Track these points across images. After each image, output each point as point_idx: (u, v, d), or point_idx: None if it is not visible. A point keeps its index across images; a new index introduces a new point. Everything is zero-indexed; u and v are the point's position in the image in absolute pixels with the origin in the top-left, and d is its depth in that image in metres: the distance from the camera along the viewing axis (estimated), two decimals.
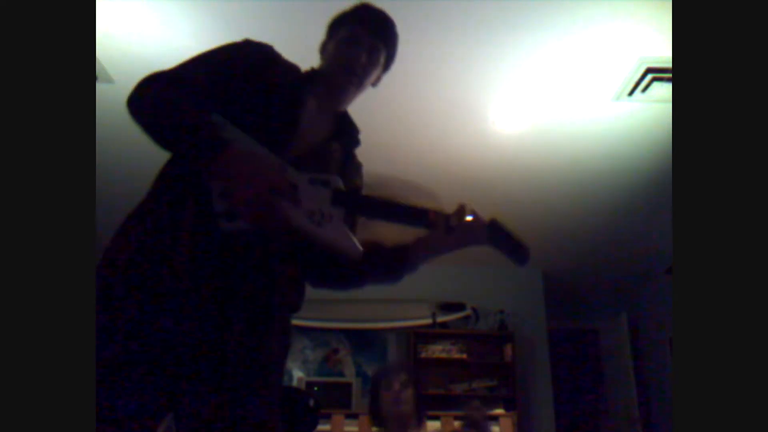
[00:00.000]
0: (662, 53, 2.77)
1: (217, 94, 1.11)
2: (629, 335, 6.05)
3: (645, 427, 5.80)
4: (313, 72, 1.35)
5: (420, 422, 2.11)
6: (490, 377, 5.44)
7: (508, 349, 5.50)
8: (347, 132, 1.35)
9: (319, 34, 3.07)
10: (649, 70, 2.88)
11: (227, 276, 1.01)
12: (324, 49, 1.40)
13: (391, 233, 1.31)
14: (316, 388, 5.19)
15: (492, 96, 3.12)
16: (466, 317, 5.68)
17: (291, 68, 1.31)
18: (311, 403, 2.26)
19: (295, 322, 1.22)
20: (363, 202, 1.21)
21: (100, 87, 2.98)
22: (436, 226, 1.22)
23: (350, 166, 1.32)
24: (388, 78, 3.35)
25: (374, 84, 1.40)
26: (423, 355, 5.44)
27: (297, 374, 5.40)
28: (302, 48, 2.77)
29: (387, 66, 1.43)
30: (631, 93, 3.05)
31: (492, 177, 4.04)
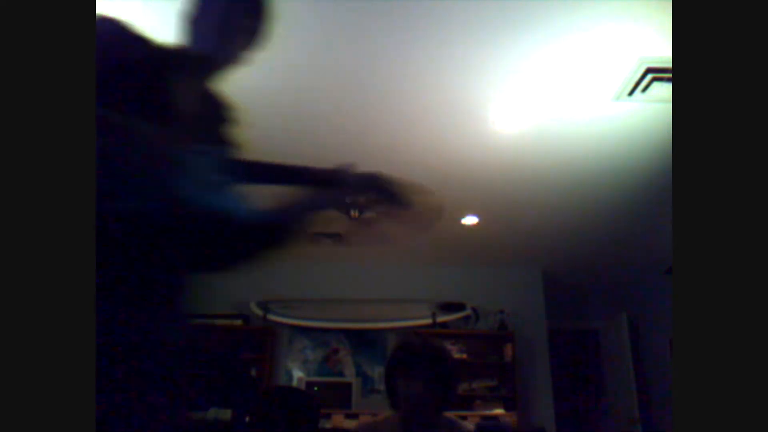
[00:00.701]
0: (662, 53, 2.77)
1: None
2: (629, 335, 6.05)
3: (645, 427, 5.80)
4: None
5: (440, 409, 1.83)
6: (490, 377, 5.45)
7: (508, 349, 5.50)
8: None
9: (318, 32, 3.06)
10: (649, 70, 2.88)
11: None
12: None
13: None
14: (316, 388, 5.19)
15: (492, 96, 3.12)
16: (466, 317, 5.69)
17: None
18: (311, 402, 2.25)
19: (295, 322, 1.19)
20: (248, 167, 1.15)
21: None
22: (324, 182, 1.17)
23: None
24: (388, 78, 3.34)
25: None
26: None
27: (297, 374, 5.40)
28: (302, 46, 2.78)
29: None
30: (631, 93, 3.05)
31: (492, 177, 4.04)
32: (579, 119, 3.34)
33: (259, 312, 5.42)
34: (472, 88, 3.06)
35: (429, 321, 5.54)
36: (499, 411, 5.01)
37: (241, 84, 2.94)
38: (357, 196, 1.22)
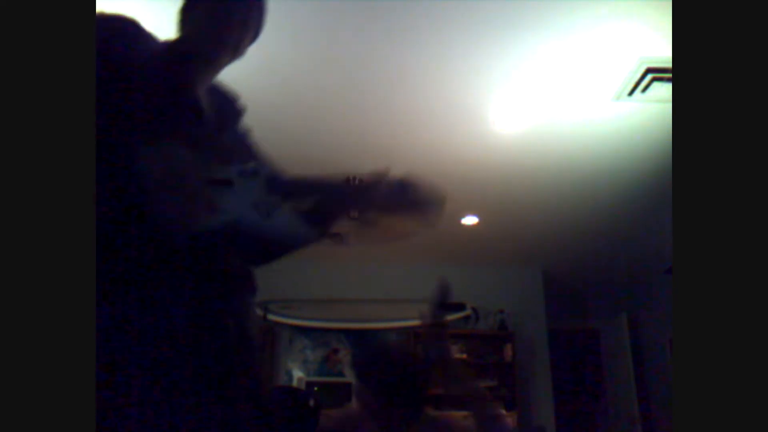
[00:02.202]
0: (662, 53, 2.77)
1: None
2: (629, 335, 6.05)
3: (645, 427, 5.80)
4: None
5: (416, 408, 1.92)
6: (490, 377, 5.44)
7: (508, 349, 5.50)
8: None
9: (317, 31, 3.06)
10: (649, 70, 2.88)
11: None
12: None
13: None
14: (316, 388, 5.19)
15: (492, 96, 3.12)
16: (466, 317, 5.68)
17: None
18: (311, 403, 2.25)
19: (295, 322, 1.21)
20: (293, 185, 1.16)
21: None
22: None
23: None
24: (388, 78, 3.35)
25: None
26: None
27: (297, 374, 5.40)
28: (300, 47, 2.78)
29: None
30: (631, 93, 3.05)
31: (492, 177, 4.04)
32: (579, 119, 3.34)
33: (259, 312, 5.42)
34: (472, 88, 3.06)
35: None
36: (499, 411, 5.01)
37: (241, 84, 2.94)
38: (387, 207, 1.22)
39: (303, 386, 5.15)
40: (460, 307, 5.66)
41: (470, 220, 4.82)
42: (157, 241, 0.96)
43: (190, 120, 1.08)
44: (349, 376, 5.41)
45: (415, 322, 5.50)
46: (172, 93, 1.07)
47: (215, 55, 1.20)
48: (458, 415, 1.96)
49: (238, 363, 1.05)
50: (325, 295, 5.48)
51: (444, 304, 1.73)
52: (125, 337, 0.92)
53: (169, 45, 1.19)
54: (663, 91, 3.01)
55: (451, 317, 5.64)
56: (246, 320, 1.11)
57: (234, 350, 1.04)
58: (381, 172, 1.18)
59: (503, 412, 1.89)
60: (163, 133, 1.02)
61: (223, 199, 0.98)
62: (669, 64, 2.83)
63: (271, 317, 5.38)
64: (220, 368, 1.00)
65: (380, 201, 1.19)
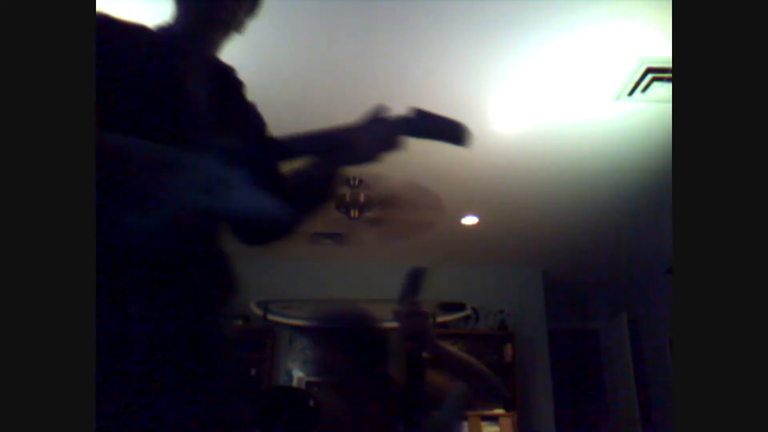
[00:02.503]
0: (662, 53, 2.77)
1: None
2: (629, 335, 6.05)
3: (645, 427, 5.80)
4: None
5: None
6: None
7: (508, 349, 5.50)
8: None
9: (318, 31, 3.06)
10: (649, 70, 2.88)
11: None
12: None
13: None
14: (316, 388, 5.19)
15: (492, 96, 3.12)
16: (466, 317, 5.69)
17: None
18: (311, 403, 2.25)
19: (295, 322, 1.20)
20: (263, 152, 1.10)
21: None
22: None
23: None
24: (388, 78, 3.34)
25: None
26: (423, 355, 5.43)
27: (297, 374, 5.40)
28: (301, 46, 2.78)
29: None
30: (631, 93, 3.05)
31: (492, 177, 4.04)
32: (579, 119, 3.34)
33: (259, 312, 5.41)
34: (472, 88, 3.06)
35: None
36: (499, 411, 5.01)
37: None
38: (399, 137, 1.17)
39: (303, 386, 5.15)
40: (460, 307, 5.66)
41: (470, 220, 4.82)
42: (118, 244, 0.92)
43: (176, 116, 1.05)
44: None
45: None
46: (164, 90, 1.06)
47: (208, 35, 1.19)
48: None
49: (217, 362, 1.02)
50: (325, 295, 5.47)
51: (416, 287, 1.73)
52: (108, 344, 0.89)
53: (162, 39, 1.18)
54: (663, 91, 3.02)
55: (451, 317, 5.64)
56: (217, 318, 1.07)
57: (208, 350, 1.00)
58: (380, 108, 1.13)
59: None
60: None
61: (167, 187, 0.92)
62: (669, 64, 2.83)
63: (271, 317, 5.38)
64: (200, 369, 0.97)
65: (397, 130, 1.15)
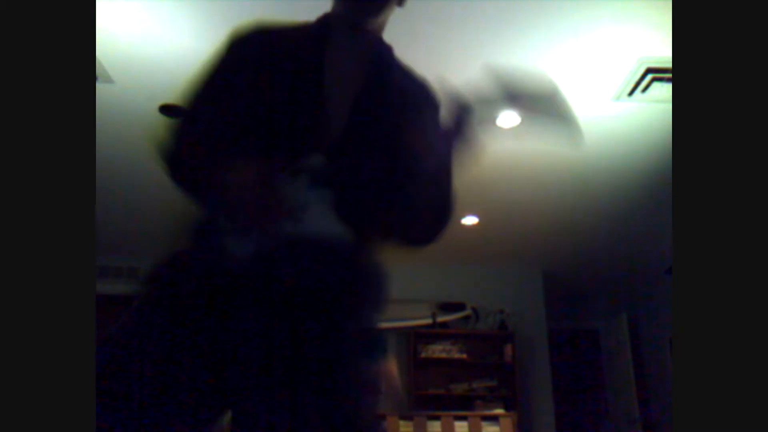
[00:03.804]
0: (662, 53, 2.77)
1: (234, 113, 1.03)
2: (629, 335, 6.05)
3: (645, 427, 5.80)
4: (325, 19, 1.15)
5: None
6: (490, 377, 5.45)
7: (508, 349, 5.50)
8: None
9: None
10: (649, 70, 2.88)
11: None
12: None
13: None
14: None
15: None
16: (466, 317, 5.69)
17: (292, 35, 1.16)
18: None
19: None
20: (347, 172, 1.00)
21: (100, 87, 2.98)
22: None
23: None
24: None
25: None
26: (423, 355, 5.44)
27: None
28: None
29: None
30: (631, 93, 3.05)
31: (492, 177, 4.04)
32: (579, 119, 3.33)
33: None
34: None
35: (429, 321, 5.54)
36: (499, 411, 5.01)
37: None
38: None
39: None
40: (460, 307, 5.66)
41: (470, 220, 4.82)
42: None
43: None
44: None
45: (415, 322, 5.52)
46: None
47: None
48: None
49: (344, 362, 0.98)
50: None
51: None
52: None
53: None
54: (663, 91, 3.01)
55: (451, 317, 5.64)
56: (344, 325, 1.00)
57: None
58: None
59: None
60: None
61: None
62: (669, 64, 2.83)
63: None
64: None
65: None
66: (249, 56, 1.11)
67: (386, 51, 1.18)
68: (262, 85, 1.03)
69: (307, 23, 1.19)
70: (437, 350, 5.48)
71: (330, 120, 1.01)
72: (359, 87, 1.07)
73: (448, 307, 5.64)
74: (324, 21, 1.18)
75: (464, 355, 5.47)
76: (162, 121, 3.34)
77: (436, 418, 4.26)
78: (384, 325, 5.76)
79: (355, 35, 1.11)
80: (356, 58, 1.10)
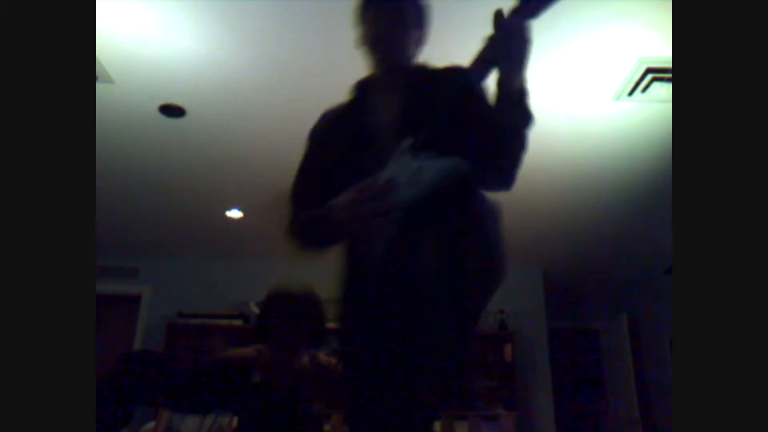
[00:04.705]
0: (662, 53, 2.77)
1: (330, 177, 1.31)
2: (629, 335, 6.05)
3: (645, 427, 5.80)
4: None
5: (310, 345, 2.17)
6: (490, 377, 5.44)
7: (508, 349, 5.50)
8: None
9: (317, 32, 3.06)
10: (649, 70, 2.88)
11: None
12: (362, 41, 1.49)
13: None
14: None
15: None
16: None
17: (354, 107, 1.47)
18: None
19: None
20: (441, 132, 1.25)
21: (100, 87, 2.98)
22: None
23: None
24: None
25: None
26: None
27: None
28: (303, 46, 2.78)
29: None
30: (631, 93, 3.05)
31: None
32: (579, 119, 3.34)
33: (257, 312, 5.41)
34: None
35: None
36: (499, 411, 5.00)
37: (238, 84, 2.95)
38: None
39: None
40: None
41: None
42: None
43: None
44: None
45: None
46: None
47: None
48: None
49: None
50: (325, 296, 5.46)
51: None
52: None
53: None
54: (663, 91, 3.01)
55: None
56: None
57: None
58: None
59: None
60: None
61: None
62: (669, 64, 2.83)
63: None
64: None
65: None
66: (318, 136, 1.49)
67: (421, 69, 1.53)
68: (334, 142, 1.38)
69: (353, 90, 1.53)
70: None
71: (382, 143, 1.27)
72: (402, 106, 1.36)
73: None
74: (363, 83, 1.51)
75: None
76: (162, 121, 3.34)
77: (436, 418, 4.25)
78: None
79: (389, 73, 1.44)
80: (392, 89, 1.41)
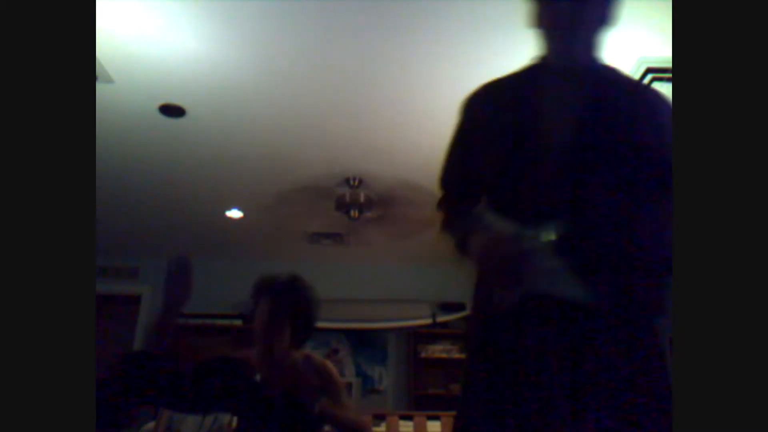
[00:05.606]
0: (662, 53, 2.77)
1: (484, 153, 1.27)
2: None
3: None
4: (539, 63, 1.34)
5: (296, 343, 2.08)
6: None
7: None
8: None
9: (317, 32, 3.06)
10: (649, 70, 2.88)
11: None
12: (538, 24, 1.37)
13: None
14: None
15: None
16: (466, 317, 5.68)
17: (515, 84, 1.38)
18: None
19: None
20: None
21: (100, 87, 2.98)
22: None
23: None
24: (387, 79, 3.34)
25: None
26: (423, 355, 5.44)
27: None
28: (303, 46, 2.78)
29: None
30: None
31: None
32: None
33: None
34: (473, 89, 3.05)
35: (429, 321, 5.54)
36: None
37: (238, 84, 2.95)
38: None
39: None
40: (460, 307, 5.65)
41: None
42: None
43: None
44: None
45: (415, 322, 5.52)
46: None
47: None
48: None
49: None
50: (325, 296, 5.46)
51: (182, 281, 1.48)
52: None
53: None
54: (663, 91, 3.01)
55: (451, 317, 5.64)
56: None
57: None
58: None
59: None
60: None
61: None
62: (669, 64, 2.83)
63: None
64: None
65: None
66: (477, 111, 1.40)
67: (607, 72, 1.42)
68: (491, 133, 1.29)
69: (523, 69, 1.43)
70: (437, 350, 5.48)
71: (551, 146, 1.19)
72: (578, 112, 1.25)
73: (448, 307, 5.63)
74: (535, 66, 1.41)
75: (464, 355, 5.46)
76: (162, 121, 3.34)
77: (436, 418, 4.26)
78: (384, 325, 5.76)
79: (569, 69, 1.35)
80: (571, 89, 1.31)
